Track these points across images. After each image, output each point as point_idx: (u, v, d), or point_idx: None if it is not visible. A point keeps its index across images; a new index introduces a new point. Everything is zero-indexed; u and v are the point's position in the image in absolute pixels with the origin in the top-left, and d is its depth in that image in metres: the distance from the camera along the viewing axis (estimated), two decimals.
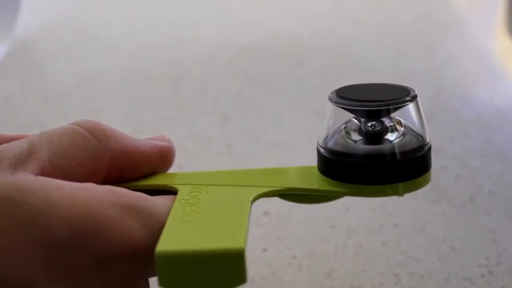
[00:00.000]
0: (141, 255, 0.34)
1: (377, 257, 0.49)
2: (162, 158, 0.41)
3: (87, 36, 0.84)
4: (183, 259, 0.33)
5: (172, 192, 0.38)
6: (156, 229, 0.35)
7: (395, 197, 0.55)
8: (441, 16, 0.87)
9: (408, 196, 0.55)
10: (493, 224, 0.52)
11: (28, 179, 0.35)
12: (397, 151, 0.37)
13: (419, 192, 0.55)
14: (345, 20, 0.86)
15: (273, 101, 0.69)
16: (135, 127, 0.66)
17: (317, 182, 0.39)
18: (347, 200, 0.54)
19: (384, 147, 0.38)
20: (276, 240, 0.51)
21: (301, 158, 0.60)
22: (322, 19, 0.87)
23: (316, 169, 0.39)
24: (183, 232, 0.34)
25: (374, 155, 0.37)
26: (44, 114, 0.69)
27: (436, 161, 0.59)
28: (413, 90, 0.39)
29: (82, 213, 0.34)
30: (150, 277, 0.37)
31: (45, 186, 0.34)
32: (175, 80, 0.73)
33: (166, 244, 0.33)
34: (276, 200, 0.55)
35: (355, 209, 0.54)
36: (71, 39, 0.83)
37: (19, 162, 0.36)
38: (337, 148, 0.38)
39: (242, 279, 0.33)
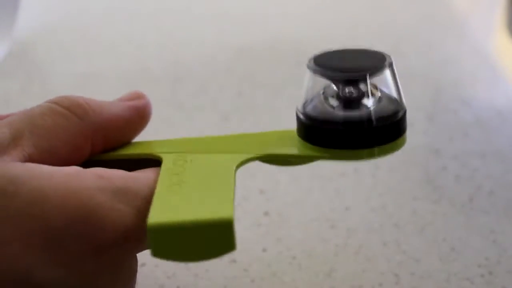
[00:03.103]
0: (133, 236, 0.35)
1: (377, 257, 0.49)
2: (141, 118, 0.42)
3: (87, 36, 0.84)
4: (175, 230, 0.34)
5: (155, 161, 0.39)
6: (145, 208, 0.35)
7: (395, 197, 0.55)
8: (440, 16, 0.87)
9: (408, 196, 0.55)
10: (493, 224, 0.52)
11: (17, 168, 0.35)
12: (373, 118, 0.39)
13: (419, 192, 0.55)
14: (345, 20, 0.86)
15: (273, 101, 0.69)
16: None
17: (296, 147, 0.41)
18: (347, 200, 0.54)
19: (361, 114, 0.39)
20: (276, 240, 0.51)
21: None
22: (322, 19, 0.87)
23: (295, 133, 0.41)
24: (172, 202, 0.36)
25: (352, 122, 0.39)
26: None
27: (436, 161, 0.59)
28: (389, 56, 0.40)
29: (75, 202, 0.34)
30: (139, 252, 0.38)
31: (34, 175, 0.34)
32: (175, 80, 0.73)
33: (157, 215, 0.35)
34: (276, 200, 0.55)
35: (355, 209, 0.54)
36: (71, 40, 0.83)
37: (3, 150, 0.36)
38: (316, 114, 0.40)
39: (232, 246, 0.34)
